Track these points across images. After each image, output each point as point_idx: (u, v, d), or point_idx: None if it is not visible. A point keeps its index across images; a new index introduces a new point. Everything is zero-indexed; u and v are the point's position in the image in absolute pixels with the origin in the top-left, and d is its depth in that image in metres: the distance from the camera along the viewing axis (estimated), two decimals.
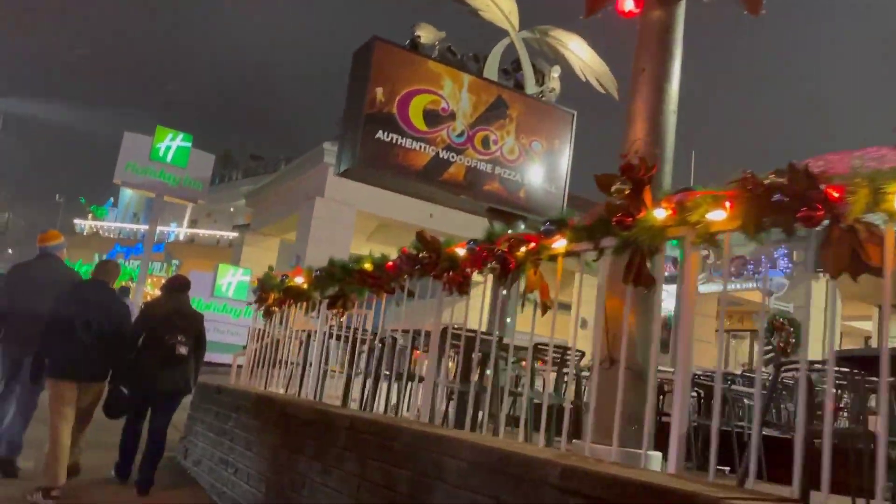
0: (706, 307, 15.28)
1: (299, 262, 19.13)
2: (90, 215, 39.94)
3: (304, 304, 5.62)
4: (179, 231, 38.04)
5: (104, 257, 34.18)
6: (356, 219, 17.97)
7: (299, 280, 5.62)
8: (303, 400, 5.06)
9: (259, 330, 6.59)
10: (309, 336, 6.04)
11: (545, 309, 3.39)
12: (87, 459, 5.46)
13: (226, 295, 16.74)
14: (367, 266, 4.60)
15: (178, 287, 5.80)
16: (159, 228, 32.60)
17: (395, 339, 5.09)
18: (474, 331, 3.97)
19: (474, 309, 3.96)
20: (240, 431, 4.84)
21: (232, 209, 36.33)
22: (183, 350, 5.20)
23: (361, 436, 3.39)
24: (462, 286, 3.76)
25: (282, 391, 5.83)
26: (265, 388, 5.81)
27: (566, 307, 6.02)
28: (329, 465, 3.58)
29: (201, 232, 38.00)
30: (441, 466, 2.75)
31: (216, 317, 16.70)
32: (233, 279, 17.00)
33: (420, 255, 4.02)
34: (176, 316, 5.39)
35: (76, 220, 38.90)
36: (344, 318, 5.19)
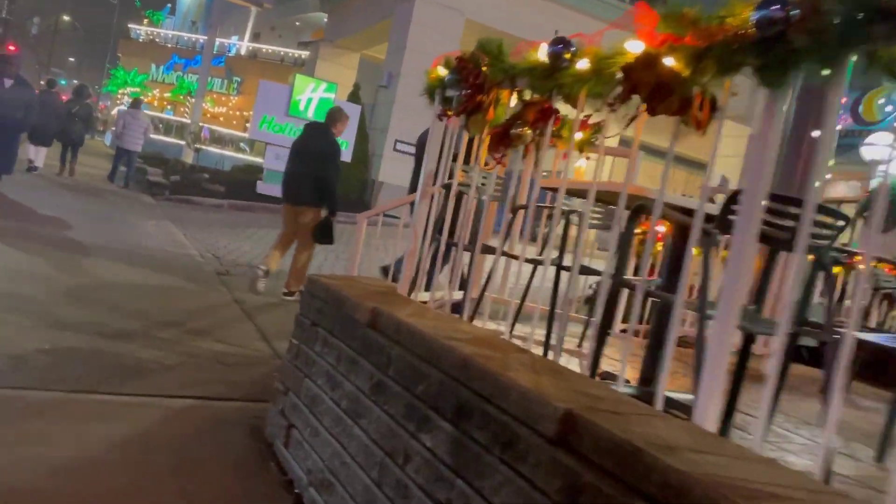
0: None
1: (391, 80, 15.98)
2: (146, 20, 36.91)
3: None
4: (241, 45, 34.96)
5: (160, 68, 31.52)
6: (463, 31, 14.52)
7: None
8: None
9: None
10: None
11: None
12: None
13: (304, 115, 13.73)
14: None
15: None
16: (219, 41, 29.68)
17: None
18: None
19: None
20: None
21: (298, 23, 32.74)
22: None
23: None
24: None
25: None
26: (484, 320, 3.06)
27: None
28: None
29: (264, 47, 34.91)
30: None
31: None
32: (313, 95, 13.83)
33: None
34: None
35: (131, 25, 35.93)
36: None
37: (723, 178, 7.89)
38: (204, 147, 21.72)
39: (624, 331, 4.21)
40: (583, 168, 3.88)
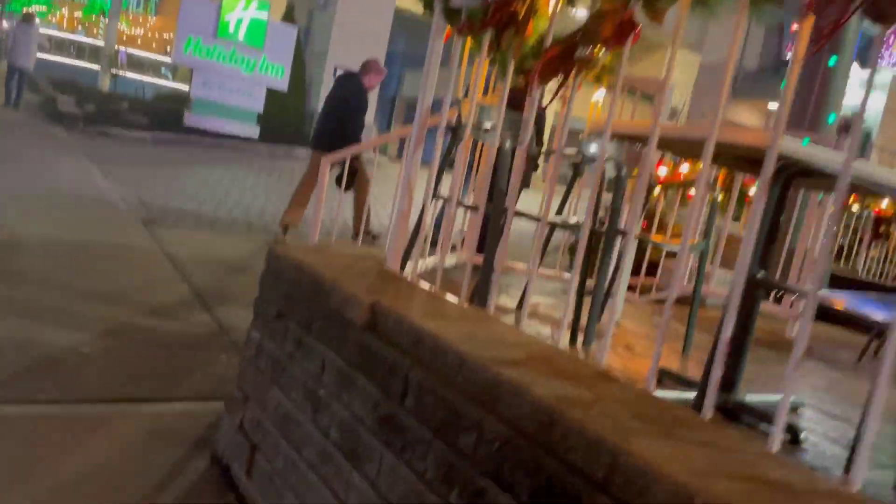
0: None
1: (326, 2, 14.70)
2: None
3: None
4: None
5: None
6: None
7: None
8: None
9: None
10: None
11: None
12: None
13: (235, 38, 12.40)
14: None
15: None
16: None
17: None
18: None
19: None
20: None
21: None
22: None
23: None
24: None
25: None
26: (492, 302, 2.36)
27: None
28: None
29: None
30: None
31: (222, 69, 12.59)
32: (244, 14, 12.48)
33: None
34: None
35: None
36: None
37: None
38: (121, 73, 19.91)
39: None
40: (598, 103, 3.22)
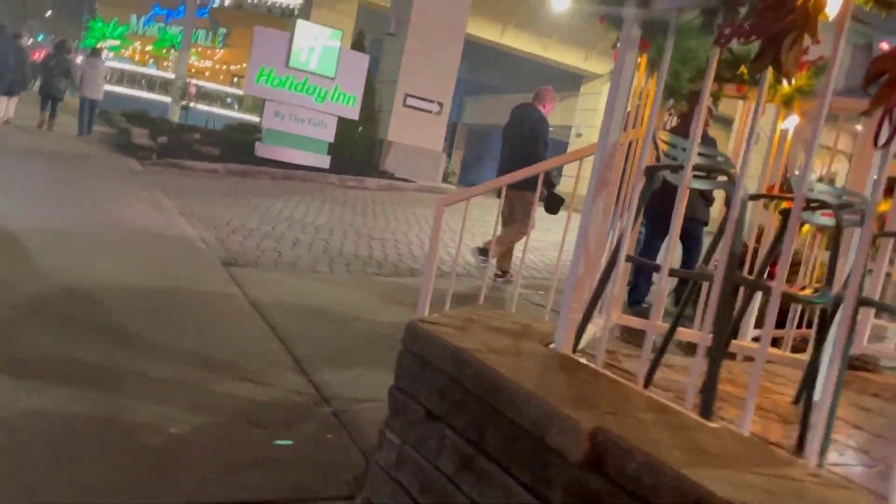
0: None
1: (399, 27, 14.46)
2: None
3: None
4: None
5: (141, 19, 29.79)
6: None
7: None
8: None
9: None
10: None
11: None
12: None
13: (306, 67, 12.17)
14: None
15: None
16: None
17: None
18: None
19: None
20: None
21: None
22: None
23: None
24: None
25: None
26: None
27: None
28: None
29: None
30: None
31: (293, 99, 12.34)
32: (316, 44, 12.23)
33: None
34: None
35: None
36: None
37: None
38: (191, 104, 20.11)
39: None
40: (788, 133, 2.66)
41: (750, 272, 3.30)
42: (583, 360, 1.80)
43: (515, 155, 6.18)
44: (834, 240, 1.93)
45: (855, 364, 3.40)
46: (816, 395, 2.44)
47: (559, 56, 24.47)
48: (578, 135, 23.48)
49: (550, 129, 6.54)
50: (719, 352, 1.76)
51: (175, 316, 4.06)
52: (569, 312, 1.86)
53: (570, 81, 27.71)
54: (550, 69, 26.92)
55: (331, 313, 4.65)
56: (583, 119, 24.05)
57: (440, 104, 14.94)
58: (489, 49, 25.10)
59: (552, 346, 1.88)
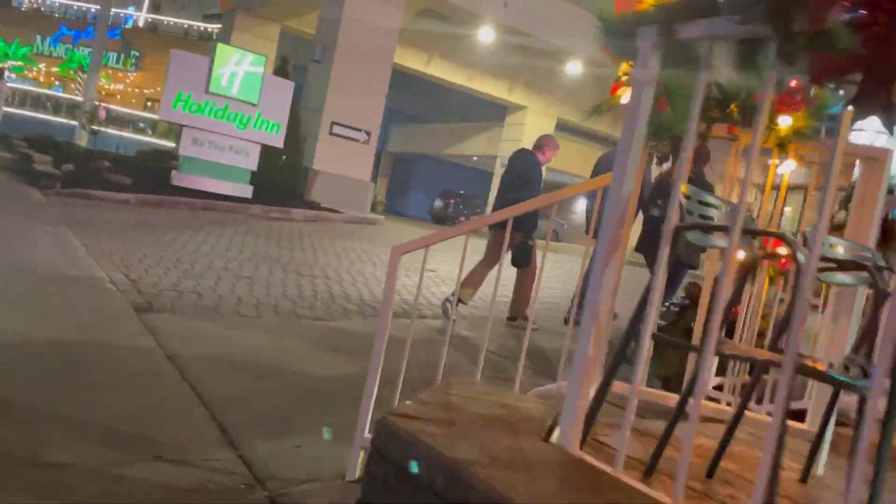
0: None
1: (325, 54, 14.06)
2: None
3: None
4: (138, 16, 32.00)
5: (47, 40, 28.37)
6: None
7: None
8: None
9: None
10: None
11: None
12: None
13: (228, 93, 11.57)
14: None
15: None
16: (114, 10, 26.87)
17: None
18: None
19: None
20: None
21: None
22: None
23: None
24: None
25: None
26: None
27: None
28: None
29: (166, 19, 32.20)
30: None
31: (213, 125, 11.73)
32: (238, 69, 11.66)
33: None
34: None
35: None
36: None
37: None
38: (101, 128, 19.05)
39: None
40: (786, 177, 2.43)
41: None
42: (596, 463, 1.47)
43: (504, 197, 6.40)
44: (874, 307, 1.68)
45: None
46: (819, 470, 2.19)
47: (484, 87, 24.61)
48: (504, 165, 23.56)
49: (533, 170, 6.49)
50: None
51: (80, 380, 3.52)
52: (576, 401, 1.53)
53: (495, 112, 27.91)
54: (475, 99, 27.05)
55: (260, 366, 4.18)
56: (508, 149, 24.18)
57: (367, 132, 14.61)
58: (415, 78, 25.01)
59: (556, 440, 1.54)
